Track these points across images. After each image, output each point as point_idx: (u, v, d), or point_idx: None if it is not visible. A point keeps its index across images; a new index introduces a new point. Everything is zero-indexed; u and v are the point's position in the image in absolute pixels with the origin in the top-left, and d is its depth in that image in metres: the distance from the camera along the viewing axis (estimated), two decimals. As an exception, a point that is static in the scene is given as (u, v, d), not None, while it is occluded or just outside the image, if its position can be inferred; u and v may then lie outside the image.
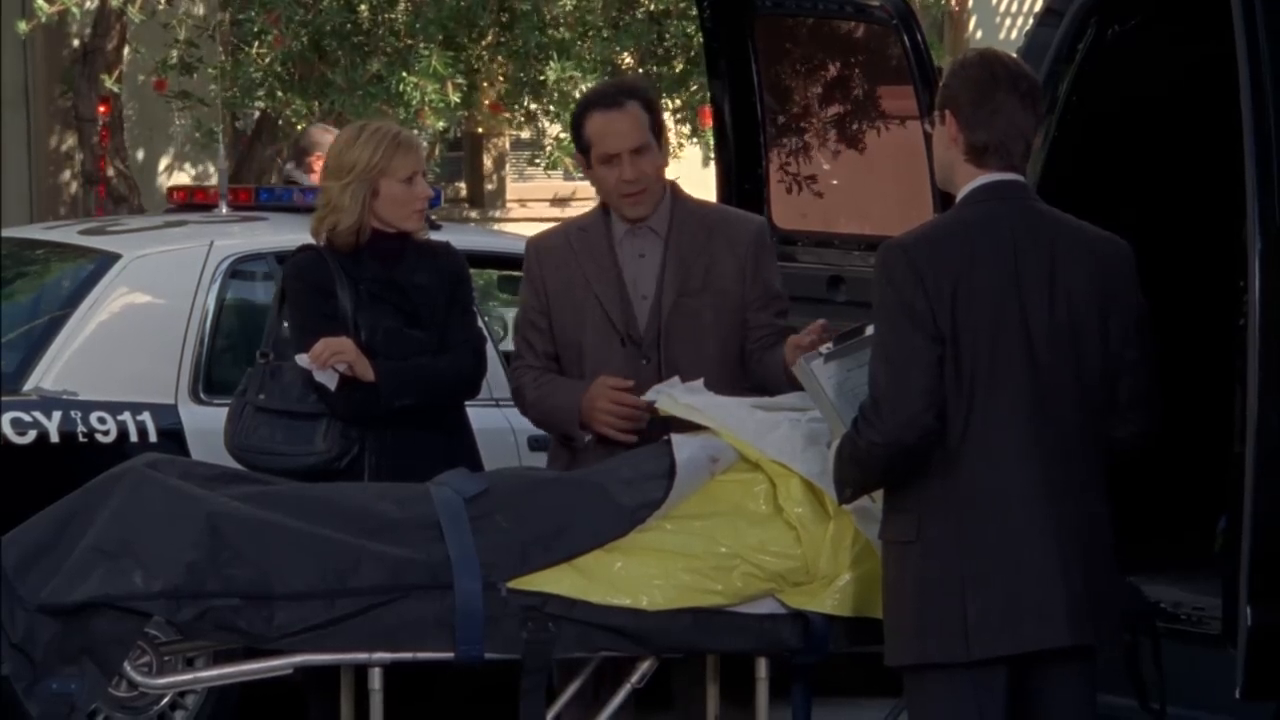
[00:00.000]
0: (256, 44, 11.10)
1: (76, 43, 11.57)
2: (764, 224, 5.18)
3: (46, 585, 4.41)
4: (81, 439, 6.25)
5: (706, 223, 5.00)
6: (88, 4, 11.04)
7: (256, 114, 12.08)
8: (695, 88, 11.13)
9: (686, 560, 4.60)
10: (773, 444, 4.70)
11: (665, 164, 5.03)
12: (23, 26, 10.87)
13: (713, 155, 10.18)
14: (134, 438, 6.31)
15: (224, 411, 5.28)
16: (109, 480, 4.61)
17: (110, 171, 11.49)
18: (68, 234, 7.38)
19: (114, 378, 6.40)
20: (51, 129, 11.72)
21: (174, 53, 11.23)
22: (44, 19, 10.66)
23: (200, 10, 12.23)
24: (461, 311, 5.19)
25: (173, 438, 6.33)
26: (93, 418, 6.30)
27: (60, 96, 11.97)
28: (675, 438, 4.74)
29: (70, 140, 11.70)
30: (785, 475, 4.68)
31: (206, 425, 6.12)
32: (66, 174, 11.75)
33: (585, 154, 4.98)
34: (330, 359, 5.00)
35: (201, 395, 6.42)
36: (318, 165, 9.00)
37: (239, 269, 6.67)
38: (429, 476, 4.76)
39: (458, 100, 10.72)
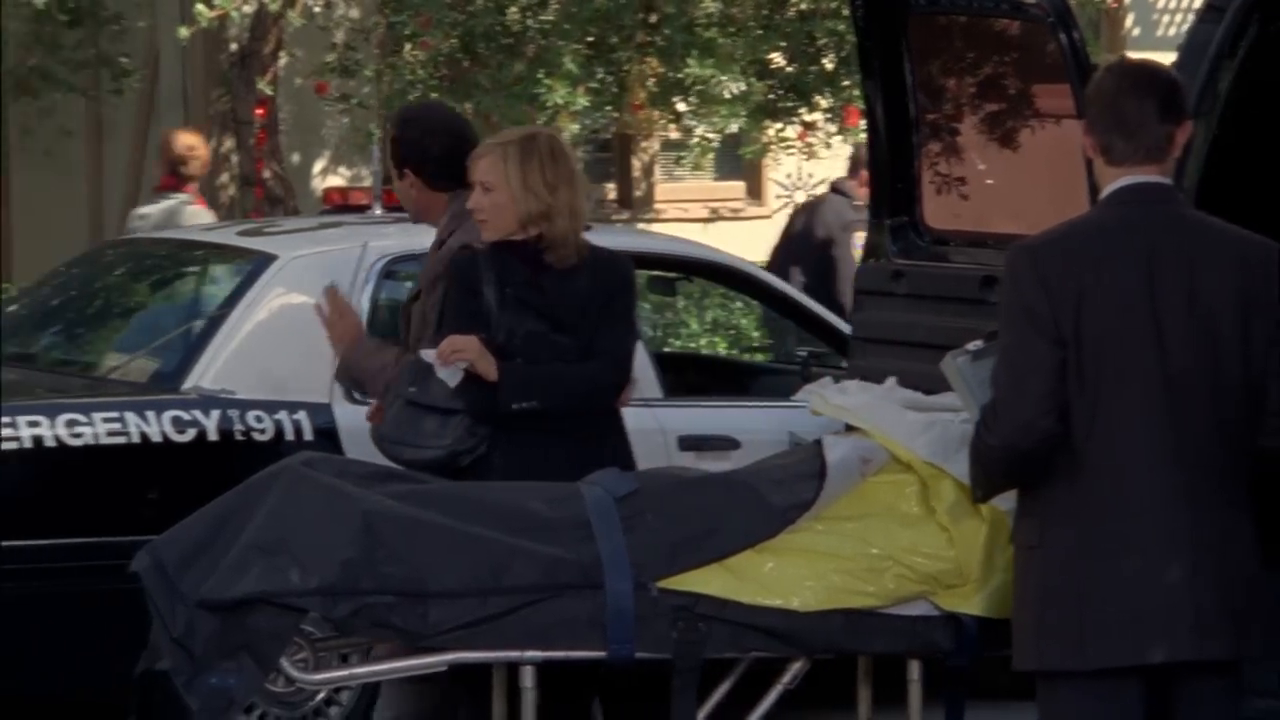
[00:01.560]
0: (409, 46, 11.17)
1: (234, 47, 11.70)
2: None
3: (205, 581, 4.47)
4: (239, 437, 6.32)
5: None
6: (245, 8, 11.15)
7: (410, 116, 12.14)
8: (846, 85, 11.08)
9: (838, 561, 4.59)
10: (925, 445, 4.67)
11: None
12: (184, 32, 11.00)
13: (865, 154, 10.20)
14: (290, 436, 6.37)
15: (377, 411, 5.32)
16: (266, 478, 4.66)
17: (266, 174, 11.61)
18: (226, 235, 7.48)
19: (270, 377, 6.46)
20: (210, 132, 11.85)
21: (332, 56, 11.33)
22: (205, 24, 10.79)
23: (356, 13, 12.33)
24: (613, 320, 5.11)
25: (327, 436, 6.39)
26: (249, 416, 6.36)
27: (218, 100, 12.11)
28: (827, 438, 4.73)
29: (228, 143, 11.82)
30: (937, 476, 4.66)
31: (360, 424, 6.13)
32: (224, 176, 11.89)
33: None
34: (453, 356, 5.00)
35: (355, 395, 6.47)
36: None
37: (393, 269, 6.72)
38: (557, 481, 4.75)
39: (585, 104, 10.72)
